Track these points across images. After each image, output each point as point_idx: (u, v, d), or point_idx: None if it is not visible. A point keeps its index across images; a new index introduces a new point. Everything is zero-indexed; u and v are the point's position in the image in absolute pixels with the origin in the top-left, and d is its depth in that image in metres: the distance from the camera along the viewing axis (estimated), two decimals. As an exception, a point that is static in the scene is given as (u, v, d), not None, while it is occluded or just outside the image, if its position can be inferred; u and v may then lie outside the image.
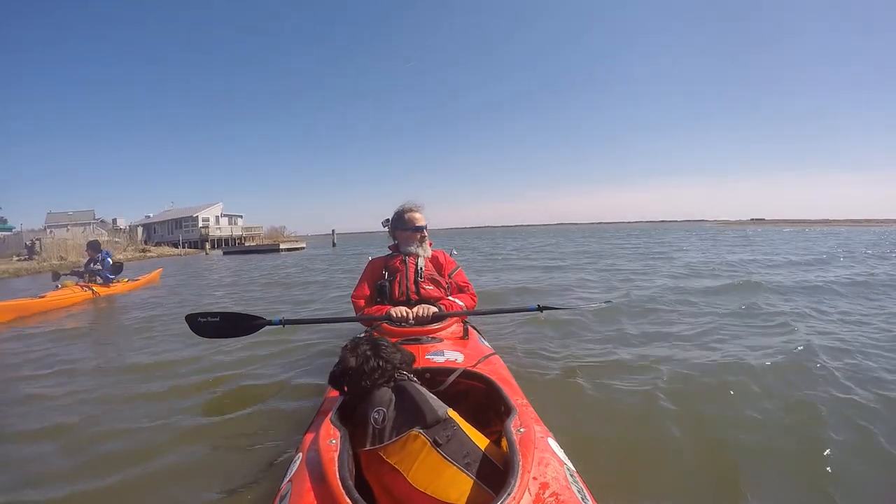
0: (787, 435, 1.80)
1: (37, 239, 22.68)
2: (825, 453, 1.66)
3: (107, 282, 7.11)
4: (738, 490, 1.47)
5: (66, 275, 7.00)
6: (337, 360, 1.28)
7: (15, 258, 21.28)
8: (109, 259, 7.31)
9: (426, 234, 2.41)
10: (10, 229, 31.60)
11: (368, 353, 1.24)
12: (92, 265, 7.06)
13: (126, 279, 7.82)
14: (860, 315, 3.87)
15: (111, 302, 6.63)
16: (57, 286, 6.54)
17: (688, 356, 2.77)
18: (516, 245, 20.05)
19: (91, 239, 9.24)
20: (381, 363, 1.22)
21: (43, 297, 6.03)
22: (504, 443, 1.08)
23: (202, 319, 2.29)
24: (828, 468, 1.58)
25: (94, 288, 6.74)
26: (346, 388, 1.24)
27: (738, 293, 4.88)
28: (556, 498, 0.90)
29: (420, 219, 2.39)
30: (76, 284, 6.71)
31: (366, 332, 2.07)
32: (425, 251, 2.38)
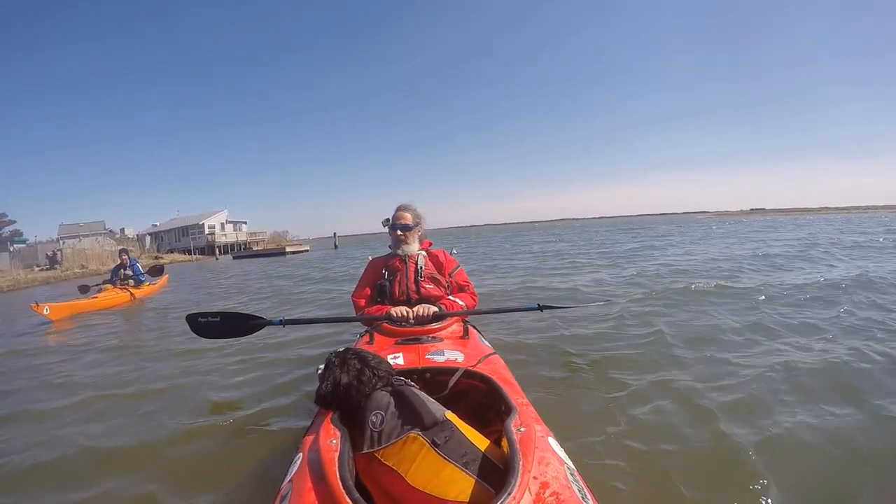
0: (791, 433, 1.79)
1: (57, 250, 24.07)
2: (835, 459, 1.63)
3: (139, 283, 8.10)
4: (738, 489, 1.47)
5: (100, 283, 7.83)
6: (321, 378, 1.26)
7: (36, 268, 22.49)
8: (138, 265, 8.24)
9: (403, 233, 2.35)
10: (24, 242, 32.85)
11: (359, 365, 1.24)
12: (122, 270, 7.93)
13: (148, 283, 8.74)
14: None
15: (145, 301, 7.71)
16: (100, 288, 7.53)
17: (688, 355, 2.76)
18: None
19: (119, 247, 10.27)
20: (375, 372, 1.23)
21: (95, 297, 7.10)
22: (504, 442, 1.08)
23: (202, 320, 2.27)
24: (833, 472, 1.55)
25: (130, 290, 7.73)
26: (335, 405, 1.22)
27: (738, 294, 4.78)
28: (557, 497, 0.90)
29: (400, 217, 2.36)
30: (114, 288, 7.63)
31: (366, 331, 2.07)
32: (406, 250, 2.35)
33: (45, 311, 5.77)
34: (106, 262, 20.65)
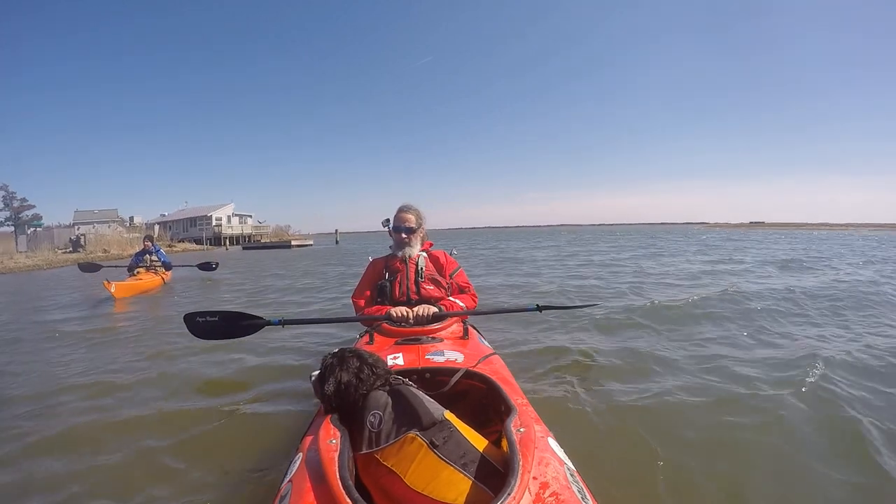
0: (790, 437, 1.78)
1: (80, 234, 25.90)
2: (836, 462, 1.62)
3: (167, 267, 8.64)
4: (738, 489, 1.48)
5: (136, 268, 8.31)
6: (321, 380, 1.24)
7: (58, 251, 24.26)
8: (161, 251, 8.68)
9: (408, 236, 2.32)
10: (39, 225, 34.51)
11: (357, 363, 1.24)
12: (147, 255, 8.38)
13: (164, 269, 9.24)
14: None
15: (173, 284, 8.54)
16: (135, 273, 8.17)
17: (687, 355, 2.78)
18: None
19: (146, 234, 10.40)
20: (373, 370, 1.23)
21: (140, 279, 7.90)
22: (504, 442, 1.08)
23: (200, 319, 2.24)
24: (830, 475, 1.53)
25: (161, 274, 8.41)
26: (336, 405, 1.21)
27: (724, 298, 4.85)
28: (557, 497, 0.91)
29: (405, 219, 2.33)
30: (146, 272, 8.25)
31: (366, 331, 2.07)
32: (408, 252, 2.32)
33: (112, 289, 6.87)
34: (125, 248, 22.46)
